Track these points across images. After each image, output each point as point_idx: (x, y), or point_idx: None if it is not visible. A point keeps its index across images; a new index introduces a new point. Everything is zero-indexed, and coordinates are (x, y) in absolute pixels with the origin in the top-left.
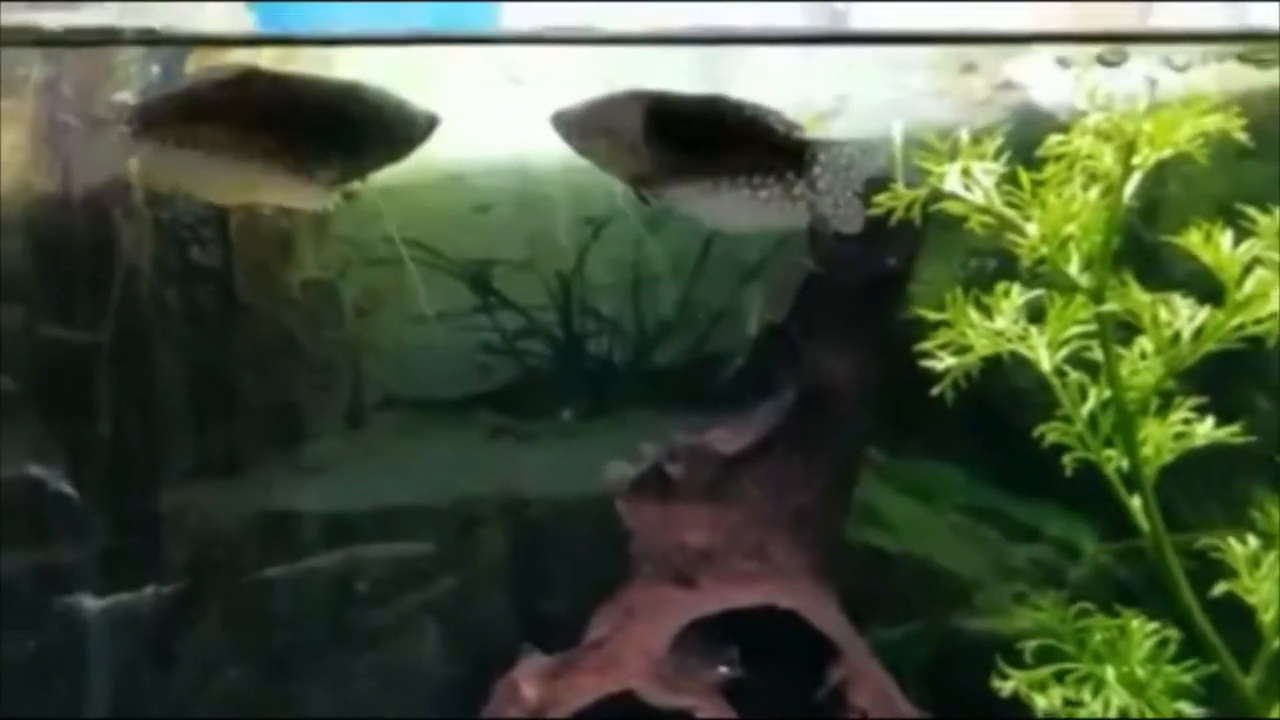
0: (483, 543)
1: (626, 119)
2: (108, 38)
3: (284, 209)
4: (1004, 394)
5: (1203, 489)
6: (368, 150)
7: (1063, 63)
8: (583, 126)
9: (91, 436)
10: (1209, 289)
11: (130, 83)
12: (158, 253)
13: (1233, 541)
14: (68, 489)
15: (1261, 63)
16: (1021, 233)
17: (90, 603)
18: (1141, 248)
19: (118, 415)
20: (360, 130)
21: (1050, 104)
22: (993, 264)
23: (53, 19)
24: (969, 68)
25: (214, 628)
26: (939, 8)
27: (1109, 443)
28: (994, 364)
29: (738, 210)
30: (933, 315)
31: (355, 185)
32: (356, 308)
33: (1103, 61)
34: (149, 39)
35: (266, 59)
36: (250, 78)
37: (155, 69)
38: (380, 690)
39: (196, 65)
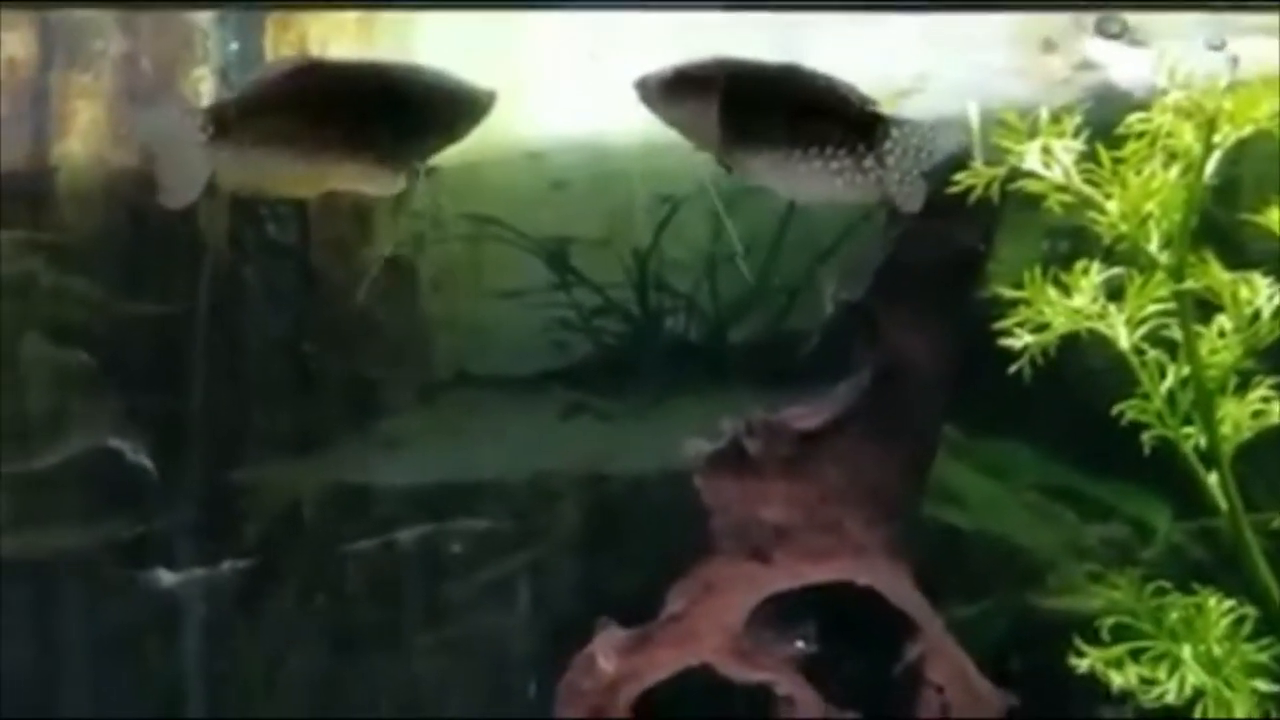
0: (559, 518)
1: (708, 85)
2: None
3: None
4: (1079, 372)
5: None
6: (430, 131)
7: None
8: (665, 91)
9: (168, 411)
10: None
11: (208, 57)
12: (235, 229)
13: None
14: (145, 462)
15: None
16: (1101, 211)
17: (167, 576)
18: (1219, 226)
19: (194, 390)
20: (421, 111)
21: (1128, 82)
22: (1066, 243)
23: None
24: (1048, 46)
25: (290, 602)
26: None
27: (1187, 421)
28: (1069, 342)
29: (809, 181)
30: (1011, 293)
31: (431, 163)
32: (433, 283)
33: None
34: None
35: (347, 30)
36: (309, 69)
37: (233, 44)
38: (458, 664)
39: (273, 35)
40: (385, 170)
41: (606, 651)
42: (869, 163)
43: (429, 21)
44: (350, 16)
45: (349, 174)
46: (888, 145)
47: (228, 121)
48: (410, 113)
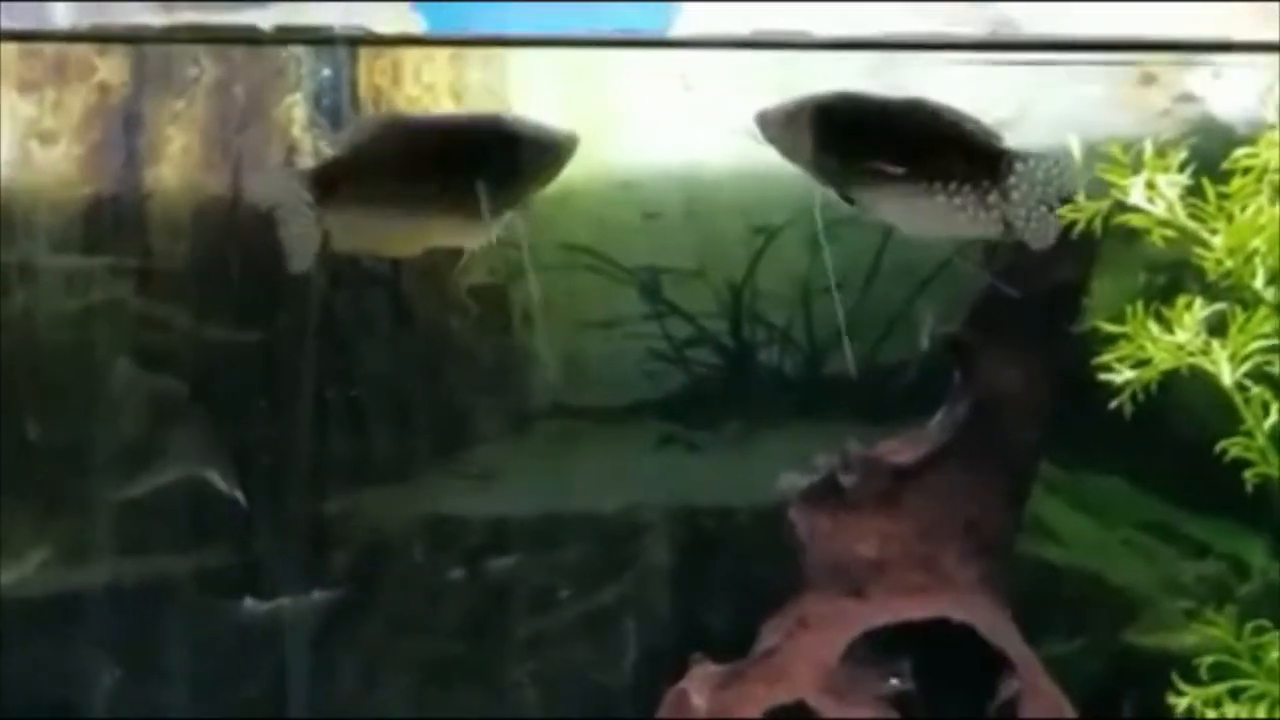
0: (650, 551)
1: (828, 119)
2: (281, 36)
3: None
4: (1176, 408)
5: None
6: (516, 179)
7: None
8: (786, 124)
9: (258, 440)
10: None
11: (301, 85)
12: (327, 257)
13: None
14: (235, 492)
15: None
16: (1206, 246)
17: (254, 606)
18: None
19: (284, 419)
20: (507, 160)
21: (1229, 116)
22: (1163, 278)
23: (220, 20)
24: (1148, 79)
25: (378, 633)
26: (1113, 11)
27: None
28: (1167, 378)
29: (933, 216)
30: (1113, 328)
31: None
32: (525, 314)
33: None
34: (319, 38)
35: (439, 59)
36: (393, 126)
37: (325, 72)
38: (548, 698)
39: (366, 63)
40: (479, 222)
41: (700, 687)
42: (993, 198)
43: (521, 50)
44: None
45: (446, 229)
46: (1012, 180)
47: (331, 183)
48: (496, 162)
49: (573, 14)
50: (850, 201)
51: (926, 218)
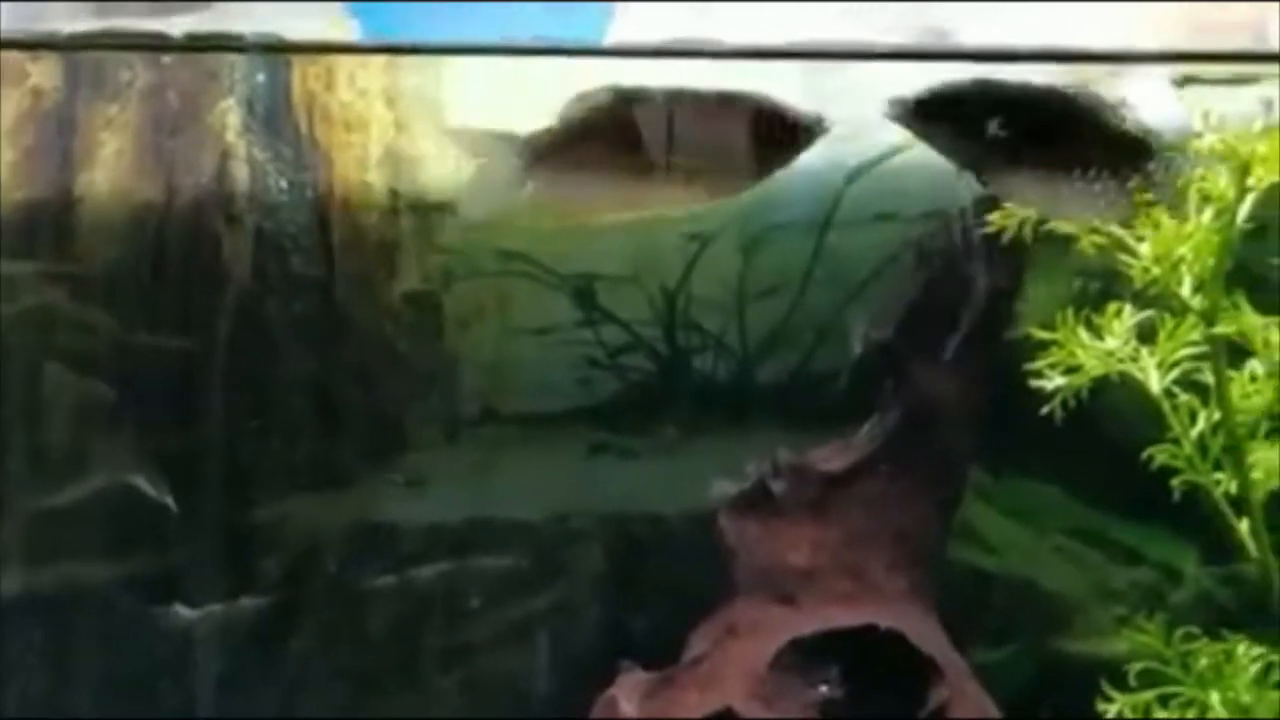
0: (582, 558)
1: (966, 105)
2: (215, 44)
3: (389, 220)
4: (1108, 415)
5: None
6: (758, 157)
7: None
8: (921, 110)
9: (189, 446)
10: None
11: (235, 90)
12: (259, 262)
13: None
14: (165, 498)
15: None
16: (1134, 254)
17: (186, 613)
18: (1252, 270)
19: (216, 425)
20: (744, 139)
21: (1159, 123)
22: (1097, 284)
23: (153, 26)
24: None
25: (310, 640)
26: (1049, 20)
27: (1218, 466)
28: (1099, 384)
29: (1072, 202)
30: (1043, 335)
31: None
32: (458, 320)
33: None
34: (255, 46)
35: (374, 65)
36: (626, 102)
37: (260, 77)
38: (477, 705)
39: (300, 67)
40: (703, 194)
41: (628, 694)
42: (1133, 184)
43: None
44: None
45: (668, 198)
46: (1152, 167)
47: (545, 149)
48: (730, 141)
49: (511, 16)
50: (984, 186)
51: (1066, 203)
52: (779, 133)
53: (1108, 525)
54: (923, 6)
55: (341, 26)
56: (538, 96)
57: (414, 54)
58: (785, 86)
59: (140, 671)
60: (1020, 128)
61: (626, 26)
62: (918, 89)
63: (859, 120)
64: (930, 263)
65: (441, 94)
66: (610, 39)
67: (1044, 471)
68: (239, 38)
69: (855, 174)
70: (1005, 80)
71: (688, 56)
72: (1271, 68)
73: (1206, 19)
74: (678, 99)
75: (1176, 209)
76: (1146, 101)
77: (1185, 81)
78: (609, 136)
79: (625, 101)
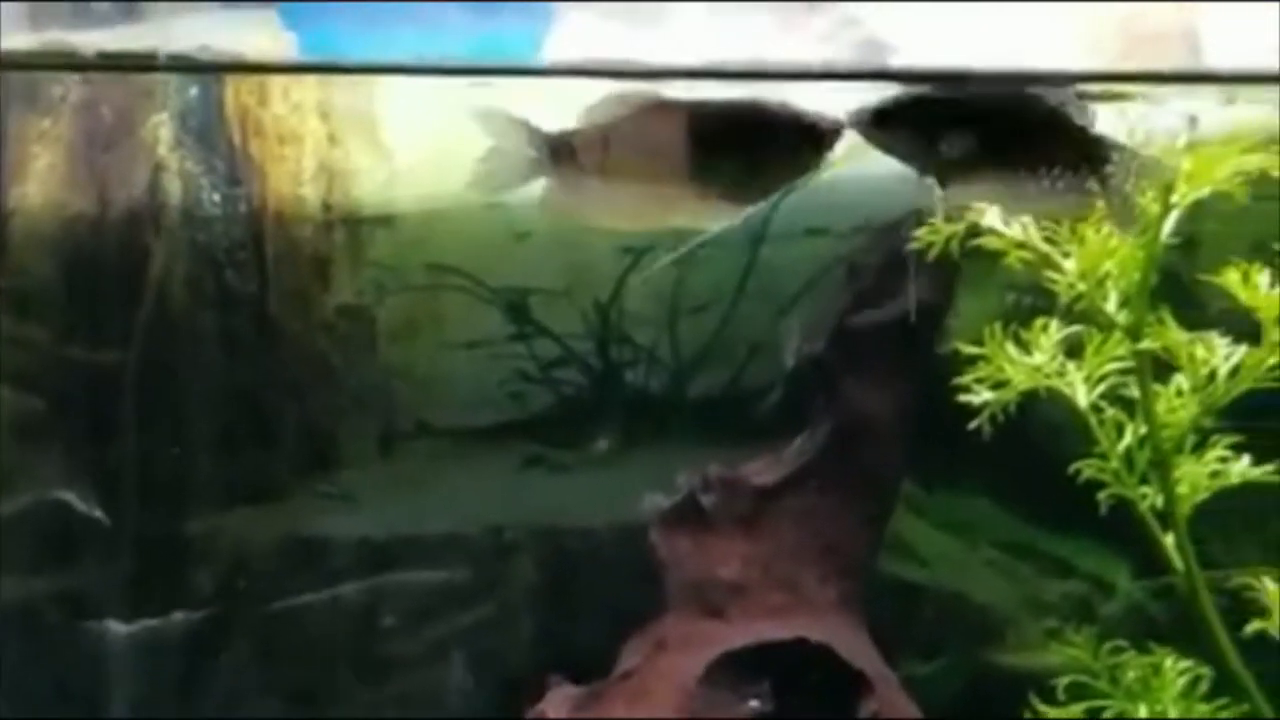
0: (514, 572)
1: (925, 113)
2: (146, 63)
3: (323, 234)
4: (1040, 429)
5: (1238, 527)
6: (774, 165)
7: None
8: (879, 120)
9: (121, 460)
10: (1248, 327)
11: (168, 104)
12: (192, 276)
13: (1266, 580)
14: (96, 512)
15: None
16: (1059, 269)
17: (117, 628)
18: (1179, 285)
19: (148, 439)
20: (765, 146)
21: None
22: (1029, 300)
23: (88, 40)
24: None
25: (242, 654)
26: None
27: (1144, 480)
28: (1030, 399)
29: (1029, 201)
30: (971, 350)
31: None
32: (391, 334)
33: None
34: (189, 65)
35: (308, 80)
36: (652, 108)
37: (193, 91)
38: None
39: (233, 85)
40: (728, 205)
41: (558, 708)
42: (1091, 184)
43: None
44: None
45: (690, 210)
46: (1109, 169)
47: (566, 149)
48: (754, 149)
49: (447, 25)
50: (942, 190)
51: (1026, 203)
52: (800, 139)
53: (1039, 538)
54: (862, 17)
55: (278, 39)
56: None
57: (349, 73)
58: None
59: (72, 687)
60: (982, 132)
61: (562, 39)
62: (877, 100)
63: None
64: (861, 277)
65: (375, 108)
66: (546, 51)
67: (975, 485)
68: (171, 56)
69: (787, 189)
70: (967, 89)
71: (622, 77)
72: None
73: (1141, 29)
74: (698, 109)
75: (1128, 215)
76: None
77: (1113, 97)
78: (632, 143)
79: (651, 110)
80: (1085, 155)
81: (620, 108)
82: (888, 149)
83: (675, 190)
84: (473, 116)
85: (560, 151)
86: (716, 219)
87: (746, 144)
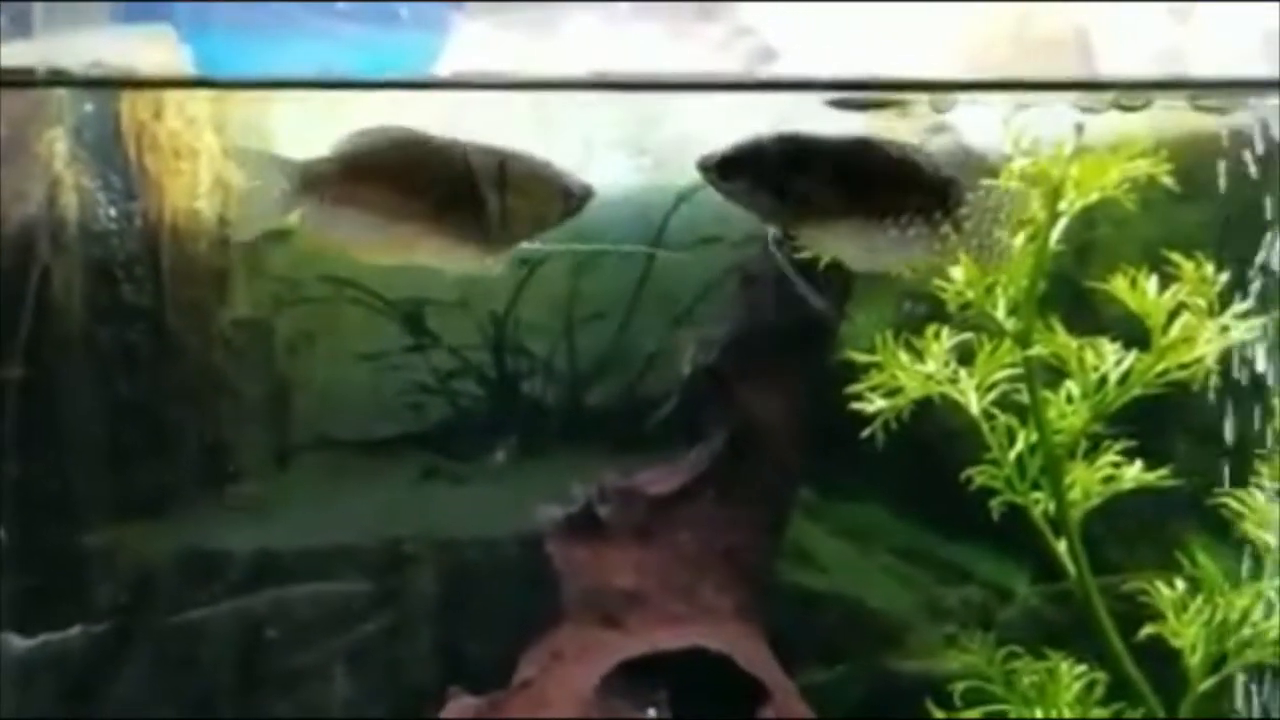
0: (412, 583)
1: (770, 161)
2: (43, 79)
3: (222, 247)
4: (935, 436)
5: (1131, 532)
6: (519, 218)
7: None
8: (724, 168)
9: (18, 474)
10: (1143, 333)
11: (63, 119)
12: (88, 290)
13: (1160, 585)
14: None
15: (1205, 109)
16: (948, 278)
17: (19, 642)
18: (1074, 291)
19: (45, 453)
20: (512, 197)
21: (982, 147)
22: (923, 308)
23: None
24: (902, 109)
25: (141, 668)
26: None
27: (1036, 485)
28: (925, 406)
29: (884, 249)
30: (864, 358)
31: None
32: (288, 346)
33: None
34: (82, 81)
35: (201, 96)
36: (407, 142)
37: (88, 107)
38: None
39: (129, 100)
40: (472, 250)
41: (457, 718)
42: (945, 228)
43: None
44: None
45: (435, 249)
46: (963, 211)
47: (318, 179)
48: (501, 198)
49: (345, 40)
50: (790, 241)
51: (879, 253)
52: (549, 196)
53: (935, 544)
54: (754, 25)
55: (172, 52)
56: (366, 124)
57: (243, 89)
58: (611, 107)
59: None
60: (826, 179)
61: (461, 49)
62: (722, 148)
63: (684, 142)
64: (755, 286)
65: (269, 122)
66: (443, 63)
67: (871, 492)
68: (62, 71)
69: (681, 197)
70: (813, 134)
71: (516, 89)
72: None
73: (1032, 34)
74: (455, 149)
75: (987, 251)
76: (970, 125)
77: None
78: (385, 177)
79: (404, 145)
80: (938, 199)
81: (371, 141)
82: (733, 197)
83: (420, 228)
84: (230, 156)
85: (312, 182)
86: (458, 262)
87: (494, 192)
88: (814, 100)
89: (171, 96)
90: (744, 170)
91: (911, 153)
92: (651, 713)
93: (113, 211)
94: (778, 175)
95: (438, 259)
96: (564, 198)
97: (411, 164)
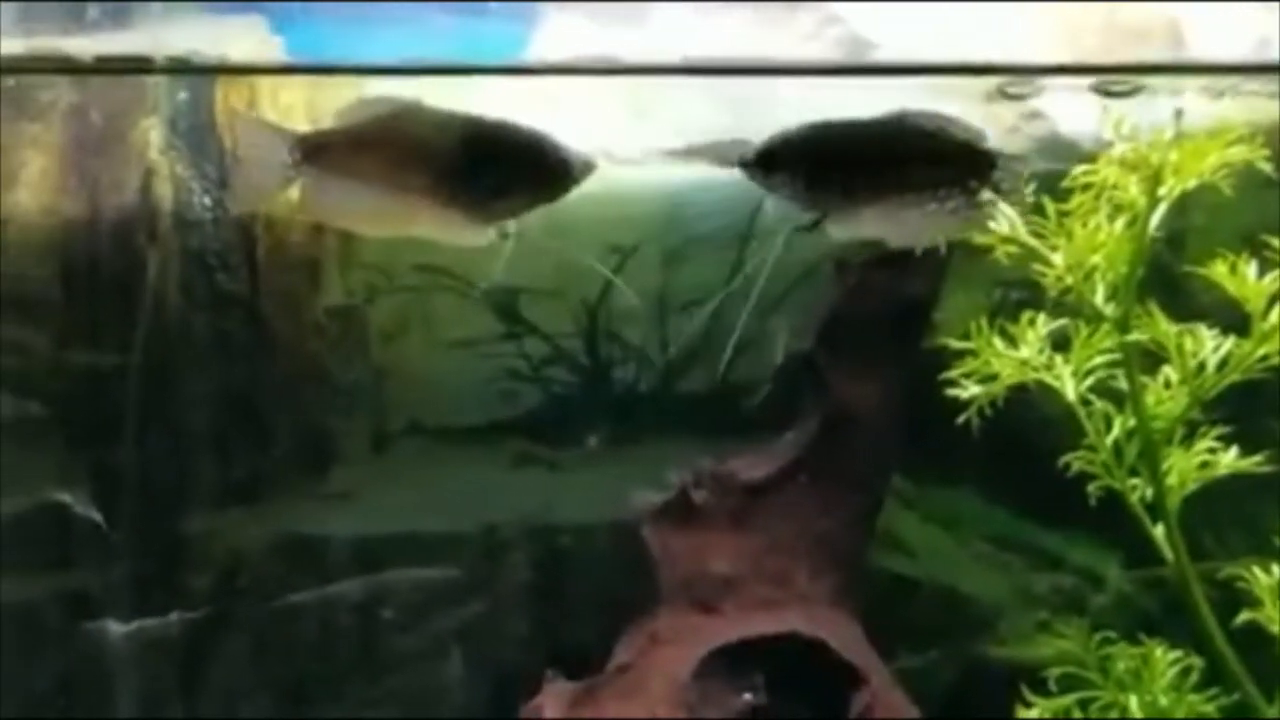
0: (508, 569)
1: (807, 150)
2: (137, 66)
3: (316, 234)
4: (1030, 422)
5: (1227, 518)
6: (519, 190)
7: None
8: (762, 160)
9: (117, 462)
10: (1236, 319)
11: (158, 108)
12: (184, 279)
13: (1256, 570)
14: (94, 514)
15: None
16: (1047, 263)
17: (115, 628)
18: (1167, 277)
19: (144, 441)
20: (512, 170)
21: (1076, 134)
22: (1017, 293)
23: (79, 46)
24: (996, 96)
25: (239, 654)
26: (969, 28)
27: (1133, 471)
28: (1019, 393)
29: (923, 225)
30: (958, 344)
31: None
32: (382, 334)
33: (1110, 93)
34: (178, 68)
35: (297, 82)
36: (406, 114)
37: (183, 95)
38: (405, 717)
39: (223, 88)
40: (470, 223)
41: (553, 704)
42: (983, 196)
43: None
44: None
45: (433, 222)
46: (997, 175)
47: (318, 149)
48: (500, 170)
49: (434, 29)
50: (813, 227)
51: (916, 227)
52: (548, 168)
53: (1029, 531)
54: (843, 15)
55: (266, 43)
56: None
57: (337, 74)
58: (702, 95)
59: (70, 688)
60: (859, 163)
61: (547, 39)
62: (760, 141)
63: (777, 129)
64: (849, 273)
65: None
66: (531, 52)
67: (964, 478)
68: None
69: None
70: (848, 120)
71: (610, 74)
72: (1184, 76)
73: (1123, 24)
74: (450, 121)
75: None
76: (1064, 112)
77: (1104, 91)
78: (384, 148)
79: (403, 116)
80: (974, 170)
81: (372, 112)
82: (770, 188)
83: (418, 200)
84: (240, 126)
85: (312, 153)
86: (457, 234)
87: (494, 164)
88: (909, 85)
89: (265, 85)
90: (782, 162)
91: (947, 124)
92: (747, 697)
93: (207, 200)
94: (813, 163)
95: (436, 232)
96: (563, 170)
97: (411, 136)
